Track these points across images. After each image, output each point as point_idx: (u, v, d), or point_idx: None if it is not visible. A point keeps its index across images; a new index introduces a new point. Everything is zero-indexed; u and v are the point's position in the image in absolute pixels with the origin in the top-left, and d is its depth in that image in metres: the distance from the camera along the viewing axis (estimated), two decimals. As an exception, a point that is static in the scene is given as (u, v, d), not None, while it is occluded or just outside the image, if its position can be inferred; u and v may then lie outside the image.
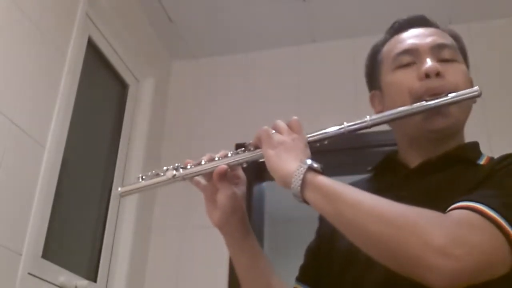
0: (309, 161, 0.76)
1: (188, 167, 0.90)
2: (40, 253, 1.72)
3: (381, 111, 0.92)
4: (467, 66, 0.99)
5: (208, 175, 0.90)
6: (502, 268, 0.66)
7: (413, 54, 0.92)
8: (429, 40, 0.93)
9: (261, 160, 0.85)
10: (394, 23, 1.02)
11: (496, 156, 0.89)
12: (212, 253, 2.15)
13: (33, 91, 1.69)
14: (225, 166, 0.87)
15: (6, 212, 1.52)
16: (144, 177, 0.92)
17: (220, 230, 0.92)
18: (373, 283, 0.79)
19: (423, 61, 0.89)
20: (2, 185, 1.51)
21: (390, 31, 1.02)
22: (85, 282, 1.90)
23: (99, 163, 2.30)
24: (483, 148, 2.42)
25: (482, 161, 0.88)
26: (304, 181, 0.74)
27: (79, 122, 2.02)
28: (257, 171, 2.49)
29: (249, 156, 0.87)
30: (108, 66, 2.36)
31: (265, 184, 2.57)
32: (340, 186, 0.73)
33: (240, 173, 0.93)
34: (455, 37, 0.98)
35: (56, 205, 1.81)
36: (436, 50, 0.91)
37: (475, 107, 2.66)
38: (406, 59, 0.92)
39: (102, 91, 2.38)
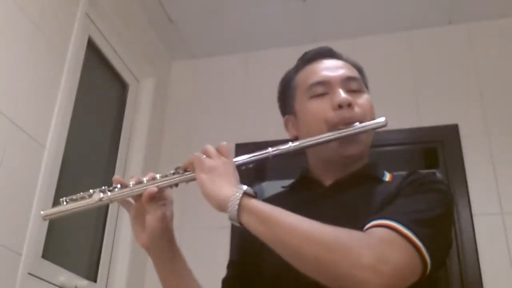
0: (244, 187, 0.82)
1: (116, 190, 0.91)
2: (40, 253, 1.72)
3: (296, 135, 1.03)
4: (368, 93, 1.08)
5: (136, 197, 0.92)
6: (415, 276, 0.77)
7: (326, 85, 1.00)
8: (340, 73, 1.01)
9: (190, 182, 0.90)
10: (305, 54, 1.10)
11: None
12: (212, 254, 2.15)
13: (33, 91, 1.69)
14: (156, 189, 0.89)
15: (6, 212, 1.52)
16: (67, 200, 0.93)
17: (148, 252, 0.95)
18: None
19: (335, 92, 0.98)
20: (2, 185, 1.51)
21: (301, 61, 1.10)
22: (85, 282, 1.90)
23: (99, 163, 2.30)
24: (482, 147, 2.42)
25: (386, 178, 1.00)
26: (240, 206, 0.80)
27: (79, 122, 2.02)
28: (257, 171, 2.49)
29: (179, 178, 0.90)
30: (108, 66, 2.36)
31: (265, 184, 2.57)
32: (274, 210, 0.79)
33: (167, 194, 0.95)
34: (359, 69, 1.08)
35: (56, 205, 1.80)
36: (345, 82, 1.00)
37: (475, 106, 2.67)
38: (320, 89, 1.00)
39: (102, 91, 2.38)
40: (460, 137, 2.27)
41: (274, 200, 1.00)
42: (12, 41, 1.61)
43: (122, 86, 2.51)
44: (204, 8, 2.51)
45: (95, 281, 2.09)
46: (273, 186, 2.48)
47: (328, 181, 1.01)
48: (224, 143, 0.92)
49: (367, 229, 0.79)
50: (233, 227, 2.45)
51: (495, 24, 2.46)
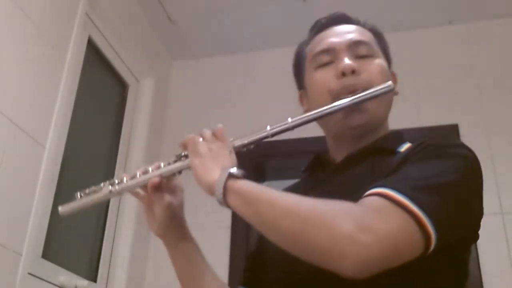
0: (230, 169, 0.79)
1: (124, 181, 0.92)
2: (40, 253, 1.72)
3: (308, 110, 0.95)
4: (388, 60, 1.00)
5: (145, 186, 0.92)
6: (414, 250, 0.67)
7: (331, 53, 0.94)
8: (346, 38, 0.95)
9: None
10: (317, 22, 1.04)
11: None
12: (212, 254, 2.15)
13: (33, 91, 1.69)
14: (158, 179, 0.90)
15: (6, 212, 1.52)
16: (82, 194, 0.95)
17: (160, 238, 0.95)
18: (301, 277, 0.80)
19: (340, 60, 0.92)
20: (2, 185, 1.51)
21: (312, 30, 1.04)
22: (85, 282, 1.90)
23: (99, 163, 2.30)
24: (482, 147, 2.42)
25: (402, 149, 0.89)
26: (225, 188, 0.77)
27: (79, 122, 2.02)
28: (257, 170, 2.49)
29: (179, 166, 0.90)
30: (108, 66, 2.36)
31: (265, 184, 2.57)
32: (258, 189, 0.76)
33: (176, 182, 0.95)
34: (375, 33, 1.00)
35: (56, 205, 1.80)
36: (352, 47, 0.93)
37: (475, 106, 2.67)
38: (325, 58, 0.94)
39: (102, 91, 2.38)
40: (460, 137, 2.27)
41: (294, 186, 1.00)
42: (12, 41, 1.61)
43: (122, 86, 2.51)
44: (204, 8, 2.51)
45: (95, 281, 2.09)
46: (273, 186, 2.49)
47: (339, 158, 0.94)
48: (220, 125, 0.89)
49: (362, 198, 0.71)
50: (234, 224, 2.44)
51: (495, 24, 2.46)
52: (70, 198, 0.96)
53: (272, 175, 2.55)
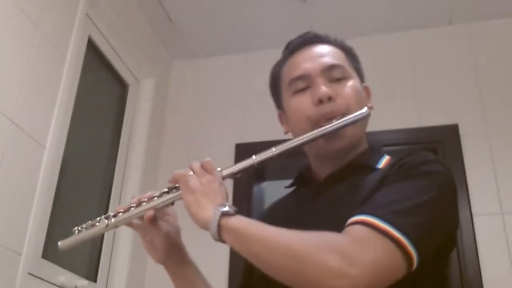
0: (222, 208, 0.82)
1: (120, 214, 0.96)
2: (40, 253, 1.72)
3: (288, 131, 1.02)
4: (360, 76, 1.04)
5: (140, 217, 0.95)
6: (398, 273, 0.72)
7: (306, 79, 0.97)
8: (320, 62, 0.98)
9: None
10: (289, 44, 1.07)
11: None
12: (212, 254, 2.15)
13: (33, 91, 1.69)
14: (152, 213, 0.93)
15: (6, 212, 1.52)
16: (79, 229, 0.98)
17: (162, 265, 1.00)
18: None
19: (316, 86, 0.95)
20: (2, 185, 1.51)
21: (285, 52, 1.07)
22: (85, 282, 1.90)
23: (99, 163, 2.30)
24: (483, 148, 2.41)
25: (381, 165, 0.94)
26: (219, 226, 0.81)
27: (79, 122, 2.02)
28: (257, 172, 2.49)
29: (172, 197, 0.93)
30: (108, 66, 2.36)
31: (265, 184, 2.57)
32: (249, 225, 0.80)
33: (170, 210, 0.99)
34: (346, 50, 1.04)
35: (56, 205, 1.81)
36: (327, 71, 0.97)
37: (474, 106, 2.67)
38: (300, 84, 0.98)
39: (102, 91, 2.38)
40: (460, 137, 2.27)
41: (283, 201, 1.05)
42: (12, 41, 1.61)
43: (122, 86, 2.51)
44: (204, 8, 2.51)
45: (95, 281, 2.09)
46: (273, 186, 2.49)
47: (323, 176, 0.98)
48: (208, 158, 0.92)
49: (346, 226, 0.76)
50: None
51: (495, 24, 2.46)
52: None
53: (272, 175, 2.55)
